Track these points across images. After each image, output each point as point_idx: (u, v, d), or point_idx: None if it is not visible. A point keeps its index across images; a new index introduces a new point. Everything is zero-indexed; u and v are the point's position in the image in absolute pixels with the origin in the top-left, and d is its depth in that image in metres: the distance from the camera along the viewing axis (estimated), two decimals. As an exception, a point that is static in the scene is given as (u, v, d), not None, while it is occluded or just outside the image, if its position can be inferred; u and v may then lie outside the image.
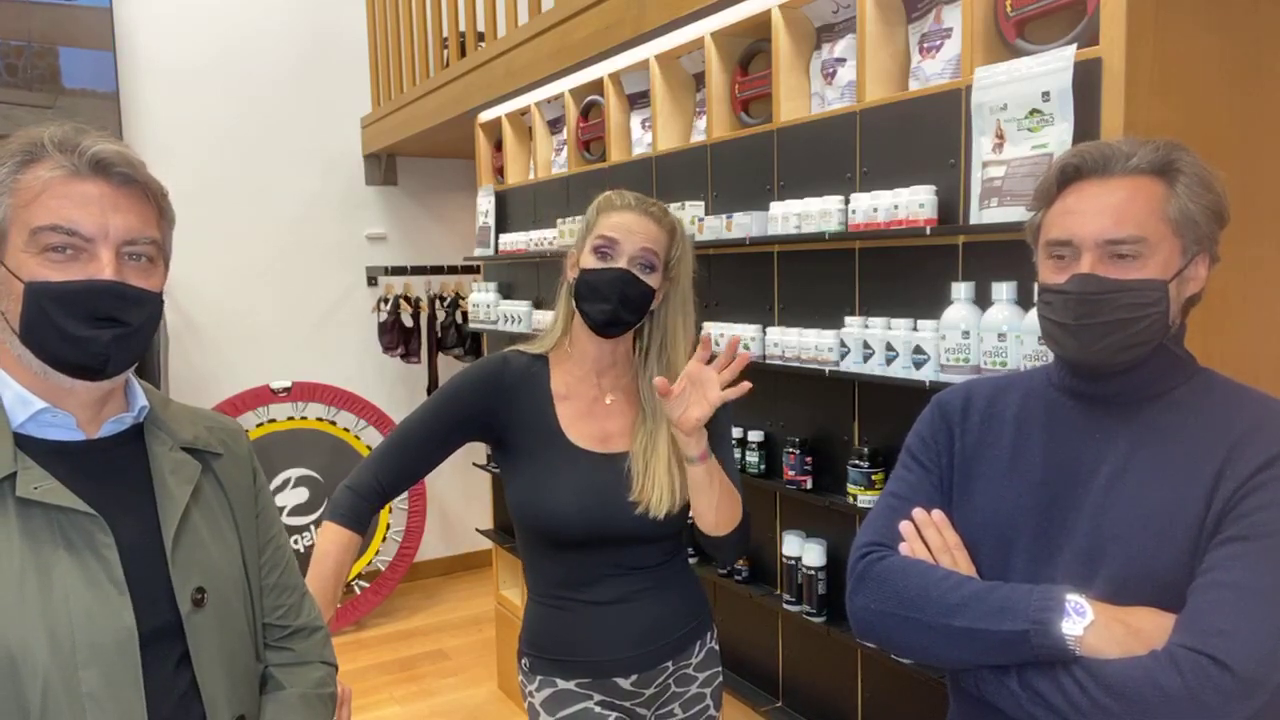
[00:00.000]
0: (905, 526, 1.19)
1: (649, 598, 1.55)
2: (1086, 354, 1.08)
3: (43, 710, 0.93)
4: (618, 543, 1.52)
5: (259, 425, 4.16)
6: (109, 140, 1.00)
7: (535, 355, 1.62)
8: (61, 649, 0.94)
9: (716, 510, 1.50)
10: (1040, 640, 1.01)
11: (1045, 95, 1.55)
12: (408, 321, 4.65)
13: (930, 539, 1.17)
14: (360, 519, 1.56)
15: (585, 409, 1.57)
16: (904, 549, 1.18)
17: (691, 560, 1.82)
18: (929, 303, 1.82)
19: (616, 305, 1.50)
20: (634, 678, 1.55)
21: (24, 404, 1.00)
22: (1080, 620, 1.00)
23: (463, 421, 1.57)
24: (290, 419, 4.24)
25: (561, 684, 1.56)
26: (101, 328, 0.98)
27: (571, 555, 1.53)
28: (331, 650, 1.26)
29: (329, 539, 1.55)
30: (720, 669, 1.67)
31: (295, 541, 4.16)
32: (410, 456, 1.58)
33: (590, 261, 1.53)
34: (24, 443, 1.00)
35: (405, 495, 4.43)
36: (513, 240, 3.33)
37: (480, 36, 3.61)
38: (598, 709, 1.54)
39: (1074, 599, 1.02)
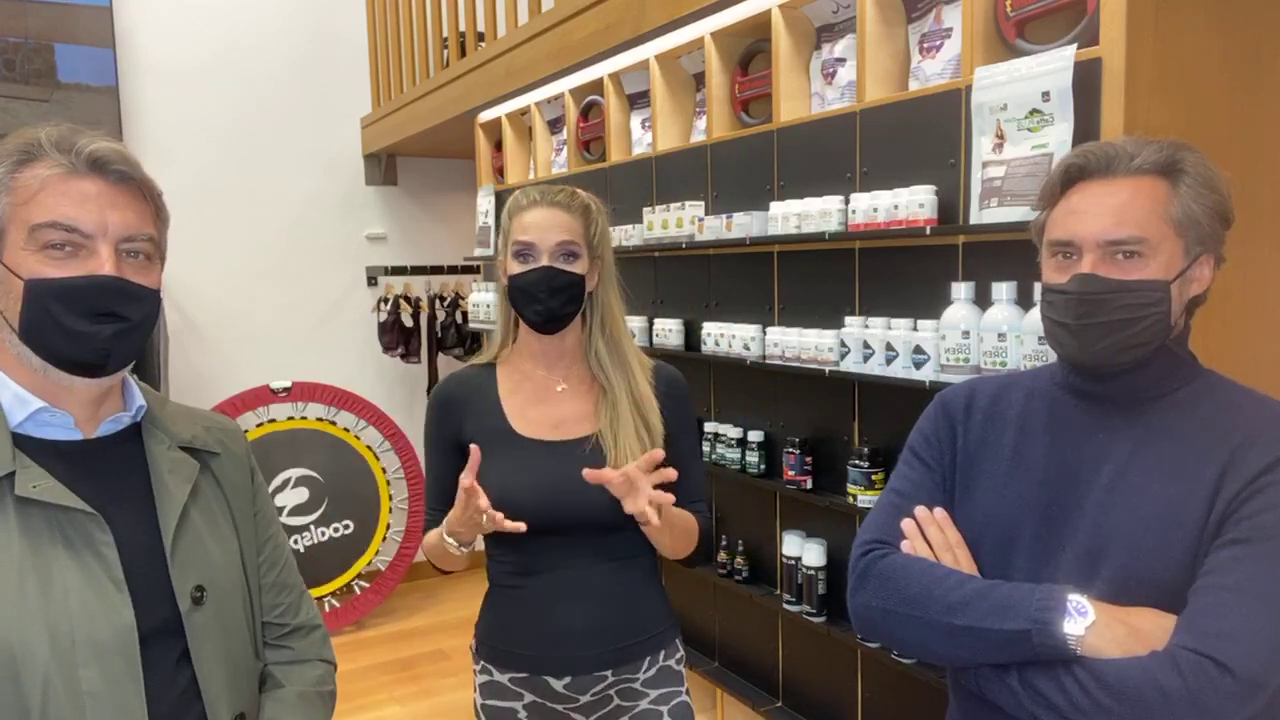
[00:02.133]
0: (907, 524, 1.19)
1: (598, 600, 1.51)
2: (1087, 354, 1.08)
3: (43, 708, 0.93)
4: (570, 529, 1.50)
5: (259, 425, 4.15)
6: (105, 139, 1.01)
7: (482, 365, 1.63)
8: (61, 647, 0.94)
9: (670, 546, 1.54)
10: (1041, 639, 1.01)
11: (1045, 95, 1.56)
12: (408, 321, 4.65)
13: (932, 537, 1.17)
14: None
15: (534, 398, 1.58)
16: (905, 547, 1.18)
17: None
18: (929, 303, 1.82)
19: (548, 302, 1.51)
20: (566, 680, 1.51)
21: (22, 403, 1.01)
22: (1081, 620, 1.00)
23: (449, 450, 1.59)
24: (290, 419, 4.24)
25: (496, 675, 1.55)
26: (103, 323, 0.98)
27: (526, 541, 1.50)
28: (330, 648, 1.27)
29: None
30: (683, 690, 1.60)
31: (295, 541, 4.16)
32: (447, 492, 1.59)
33: (514, 267, 1.53)
34: (22, 442, 1.00)
35: (405, 495, 4.43)
36: (513, 240, 3.33)
37: (480, 36, 3.61)
38: (522, 714, 1.53)
39: (1075, 599, 1.02)
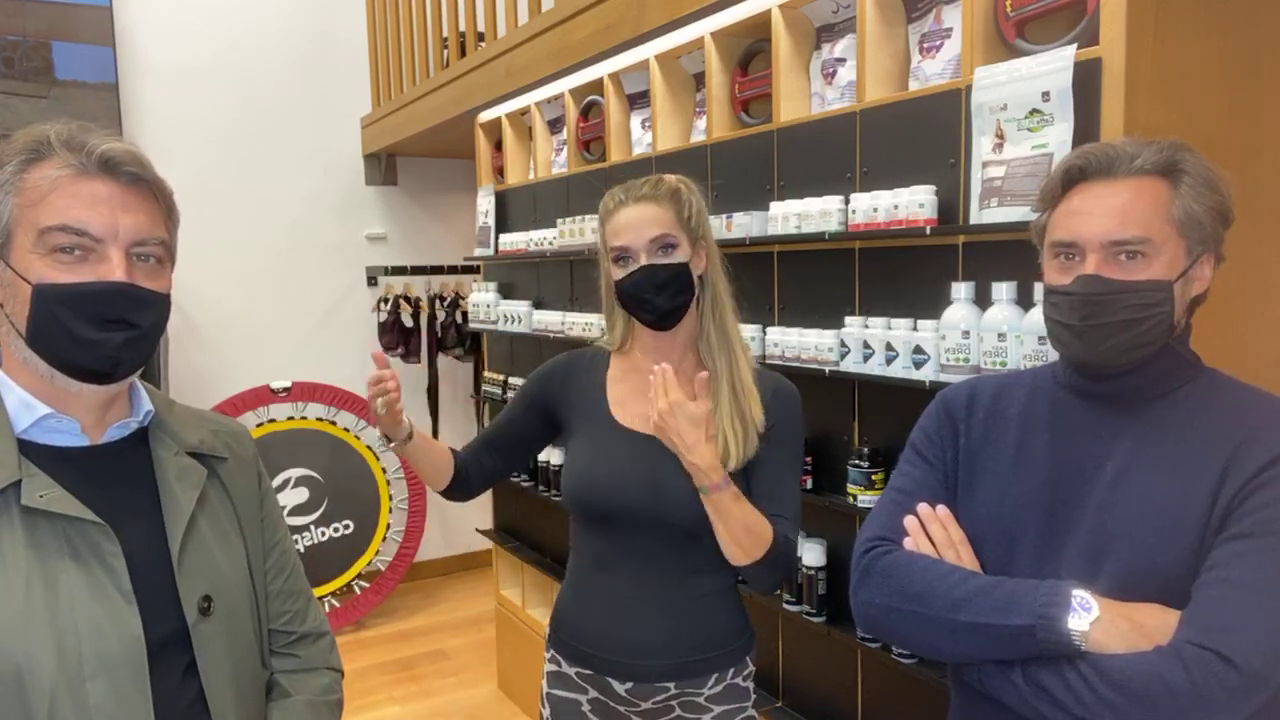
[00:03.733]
0: (909, 521, 1.19)
1: (671, 611, 1.49)
2: (1092, 354, 1.08)
3: None
4: (654, 527, 1.48)
5: (259, 425, 4.15)
6: (116, 138, 0.98)
7: (603, 348, 1.65)
8: (69, 661, 0.92)
9: (729, 543, 1.44)
10: (1046, 635, 1.01)
11: (1045, 95, 1.56)
12: (408, 321, 4.66)
13: (934, 534, 1.17)
14: (463, 460, 1.69)
15: (639, 389, 1.56)
16: (908, 544, 1.18)
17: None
18: (929, 303, 1.82)
19: (655, 300, 1.49)
20: (629, 685, 1.51)
21: (27, 409, 0.98)
22: (1086, 615, 1.01)
23: (529, 406, 1.65)
24: (290, 419, 4.24)
25: (565, 667, 1.57)
26: (112, 331, 0.96)
27: (605, 533, 1.52)
28: (337, 655, 1.24)
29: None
30: (748, 705, 1.56)
31: (296, 541, 4.15)
32: (497, 432, 1.70)
33: (616, 272, 1.53)
34: (27, 449, 0.97)
35: (405, 495, 4.44)
36: (513, 240, 3.34)
37: (480, 36, 3.61)
38: (586, 707, 1.54)
39: (1080, 594, 1.02)
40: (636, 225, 1.49)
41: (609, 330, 1.65)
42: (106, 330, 0.96)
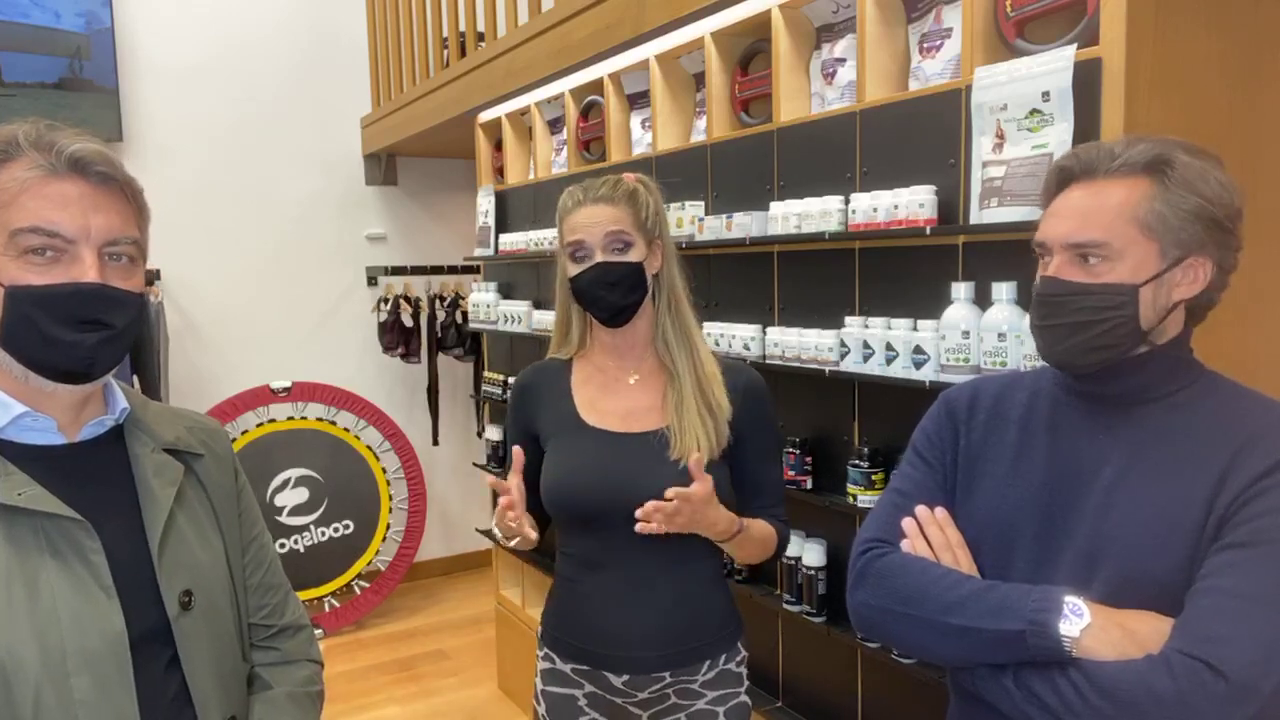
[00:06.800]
0: (907, 523, 1.19)
1: (660, 602, 1.51)
2: (1052, 354, 1.10)
3: (35, 719, 0.92)
4: (631, 521, 1.45)
5: (259, 425, 4.15)
6: (85, 138, 0.98)
7: (562, 359, 1.66)
8: (52, 657, 0.93)
9: (745, 559, 1.57)
10: (1036, 640, 1.01)
11: (1045, 95, 1.55)
12: (408, 321, 4.65)
13: (932, 536, 1.17)
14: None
15: (605, 389, 1.59)
16: (906, 546, 1.18)
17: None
18: (929, 303, 1.82)
19: (609, 296, 1.52)
20: (625, 678, 1.53)
21: (3, 408, 0.99)
22: (1077, 622, 1.00)
23: (525, 439, 1.60)
24: (290, 419, 4.24)
25: (559, 663, 1.58)
26: (86, 331, 0.97)
27: (590, 533, 1.53)
28: (317, 648, 1.26)
29: None
30: (741, 691, 1.59)
31: (295, 541, 4.17)
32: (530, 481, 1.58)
33: (572, 268, 1.56)
34: (3, 447, 0.98)
35: (405, 495, 4.44)
36: (513, 240, 3.34)
37: (480, 36, 3.61)
38: (582, 701, 1.55)
39: (1072, 600, 1.02)
40: (592, 222, 1.53)
41: (565, 334, 1.66)
42: (81, 331, 0.96)
